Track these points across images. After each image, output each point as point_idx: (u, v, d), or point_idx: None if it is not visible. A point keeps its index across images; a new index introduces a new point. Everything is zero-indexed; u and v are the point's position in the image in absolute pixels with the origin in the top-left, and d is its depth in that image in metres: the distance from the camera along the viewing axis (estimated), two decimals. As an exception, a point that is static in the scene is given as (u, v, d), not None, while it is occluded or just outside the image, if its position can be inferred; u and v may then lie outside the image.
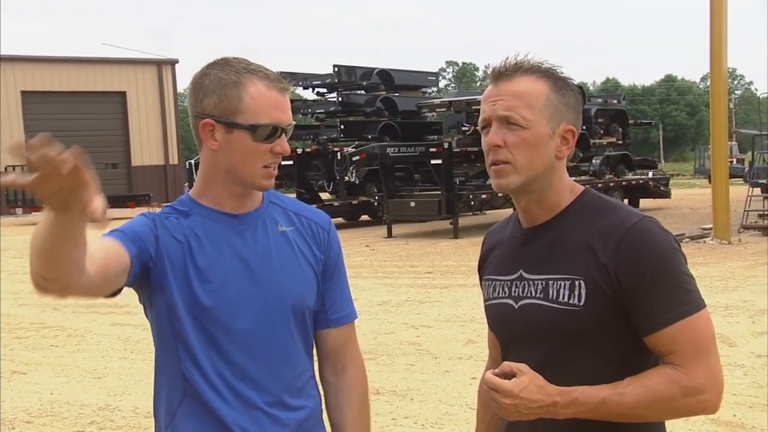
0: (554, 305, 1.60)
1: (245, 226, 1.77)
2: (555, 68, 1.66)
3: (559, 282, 1.60)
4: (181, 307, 1.71)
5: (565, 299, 1.59)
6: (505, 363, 1.58)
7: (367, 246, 16.27)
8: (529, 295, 1.65)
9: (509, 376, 1.54)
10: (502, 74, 1.64)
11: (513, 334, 1.70)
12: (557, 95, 1.63)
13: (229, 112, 1.68)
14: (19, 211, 30.05)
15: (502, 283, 1.72)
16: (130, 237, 1.68)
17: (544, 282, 1.63)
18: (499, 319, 1.74)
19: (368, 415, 1.94)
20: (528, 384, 1.52)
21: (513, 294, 1.69)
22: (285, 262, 1.78)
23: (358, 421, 1.90)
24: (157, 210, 1.79)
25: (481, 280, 1.83)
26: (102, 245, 1.64)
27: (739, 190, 19.48)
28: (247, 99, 1.68)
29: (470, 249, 14.50)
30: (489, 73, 1.69)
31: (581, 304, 1.57)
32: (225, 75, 1.69)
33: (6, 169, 30.56)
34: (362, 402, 1.92)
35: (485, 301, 1.79)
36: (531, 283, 1.65)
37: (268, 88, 1.70)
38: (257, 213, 1.79)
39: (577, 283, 1.58)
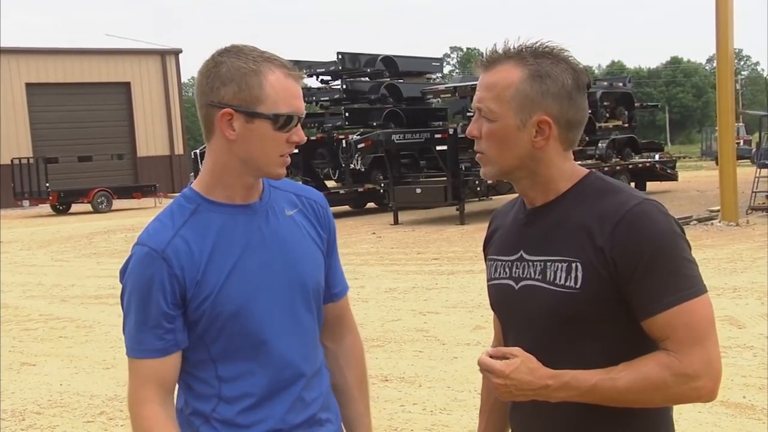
0: (552, 287, 1.59)
1: (258, 216, 1.75)
2: (545, 50, 1.60)
3: (556, 264, 1.59)
4: (214, 314, 1.69)
5: (562, 281, 1.58)
6: (499, 348, 1.59)
7: (374, 233, 16.27)
8: (528, 276, 1.65)
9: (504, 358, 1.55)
10: (482, 64, 1.64)
11: (512, 314, 1.70)
12: (531, 84, 1.58)
13: (250, 101, 1.64)
14: (26, 203, 30.13)
15: (503, 263, 1.72)
16: (163, 331, 1.66)
17: (542, 263, 1.62)
18: (500, 299, 1.74)
19: (367, 377, 2.02)
20: (519, 366, 1.52)
21: (513, 275, 1.68)
22: (299, 247, 1.79)
23: (360, 382, 1.97)
24: (164, 201, 1.76)
25: (485, 259, 1.83)
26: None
27: (746, 172, 19.41)
28: (267, 88, 1.65)
29: (476, 235, 14.49)
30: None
31: (578, 286, 1.56)
32: (243, 63, 1.65)
33: (12, 161, 30.69)
34: (362, 364, 1.99)
35: (488, 281, 1.79)
36: (530, 264, 1.65)
37: (286, 77, 1.68)
38: (264, 201, 1.78)
39: (574, 265, 1.57)
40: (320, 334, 1.91)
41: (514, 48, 1.61)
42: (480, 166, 1.68)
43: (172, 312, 1.65)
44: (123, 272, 1.71)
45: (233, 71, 1.65)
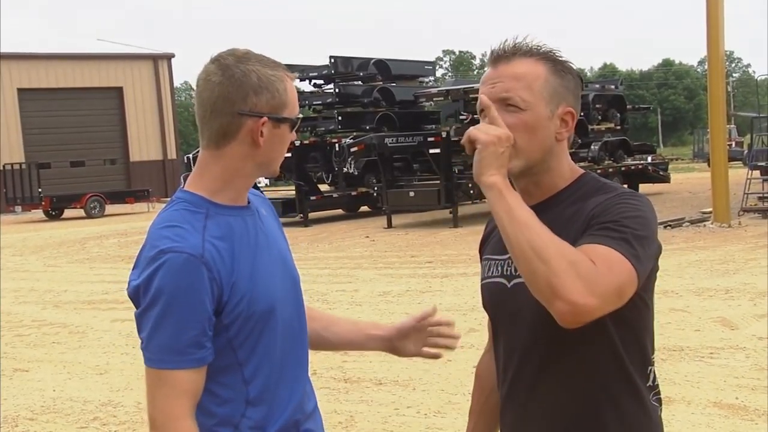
0: None
1: (255, 217, 1.78)
2: (554, 51, 1.67)
3: None
4: (246, 318, 1.69)
5: None
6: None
7: (367, 237, 16.27)
8: (520, 274, 1.65)
9: None
10: (501, 57, 1.65)
11: (504, 312, 1.70)
12: (556, 78, 1.64)
13: (278, 107, 1.69)
14: (18, 208, 30.02)
15: (497, 262, 1.72)
16: (206, 338, 1.64)
17: None
18: (492, 298, 1.74)
19: None
20: (500, 136, 1.54)
21: (506, 273, 1.69)
22: (285, 245, 1.86)
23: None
24: (156, 205, 1.77)
25: (480, 260, 1.84)
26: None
27: (738, 173, 19.48)
28: (289, 93, 1.71)
29: (470, 238, 14.49)
30: (488, 55, 1.69)
31: None
32: (270, 71, 1.68)
33: (4, 167, 30.57)
34: None
35: (481, 280, 1.79)
36: None
37: (292, 80, 1.75)
38: (251, 202, 1.81)
39: None
40: None
41: (526, 46, 1.65)
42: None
43: (213, 318, 1.64)
44: (146, 283, 1.61)
45: (264, 80, 1.67)
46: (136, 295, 1.64)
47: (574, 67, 1.69)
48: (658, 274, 1.65)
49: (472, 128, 1.56)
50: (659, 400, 1.67)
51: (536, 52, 1.65)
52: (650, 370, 1.64)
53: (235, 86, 1.66)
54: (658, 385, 1.67)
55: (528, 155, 1.62)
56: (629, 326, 1.59)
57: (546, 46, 1.67)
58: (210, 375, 1.68)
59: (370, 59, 23.19)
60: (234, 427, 1.71)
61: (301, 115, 1.77)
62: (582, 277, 1.41)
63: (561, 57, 1.67)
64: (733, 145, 36.04)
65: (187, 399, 1.62)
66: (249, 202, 1.79)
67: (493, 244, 1.78)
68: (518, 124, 1.61)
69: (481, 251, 1.84)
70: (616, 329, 1.57)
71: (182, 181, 1.77)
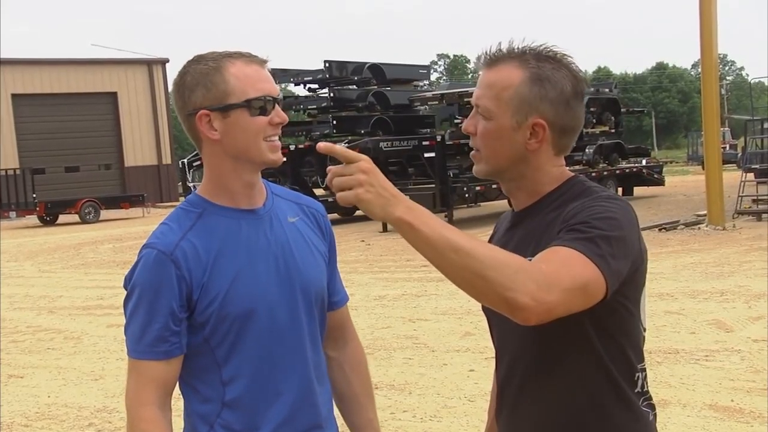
0: None
1: (263, 222, 1.78)
2: (546, 52, 1.62)
3: None
4: (219, 319, 1.70)
5: None
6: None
7: (363, 241, 16.26)
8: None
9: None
10: (486, 62, 1.66)
11: (494, 316, 1.71)
12: (531, 87, 1.59)
13: (220, 97, 1.69)
14: (13, 214, 29.95)
15: None
16: (169, 333, 1.68)
17: None
18: None
19: (371, 384, 2.05)
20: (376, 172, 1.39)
21: None
22: (303, 254, 1.82)
23: (365, 389, 2.00)
24: (152, 210, 1.78)
25: None
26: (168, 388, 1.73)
27: (732, 176, 19.55)
28: (231, 80, 1.69)
29: (465, 241, 14.39)
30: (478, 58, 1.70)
31: None
32: (203, 66, 1.71)
33: (-2, 172, 30.47)
34: (366, 371, 2.03)
35: None
36: None
37: (247, 64, 1.72)
38: (268, 207, 1.81)
39: None
40: (323, 342, 1.92)
41: (518, 49, 1.63)
42: (474, 165, 1.70)
43: (180, 315, 1.68)
44: (130, 276, 1.71)
45: (196, 76, 1.70)
46: (125, 284, 1.74)
47: (572, 68, 1.62)
48: (653, 276, 1.65)
49: (333, 181, 1.38)
50: (650, 406, 1.66)
51: (520, 57, 1.61)
52: (638, 376, 1.63)
53: (176, 92, 1.74)
54: (648, 391, 1.66)
55: (492, 162, 1.65)
56: (610, 333, 1.57)
57: (539, 46, 1.62)
58: (192, 372, 1.74)
59: (364, 63, 23.20)
60: (210, 426, 1.74)
61: (256, 96, 1.67)
62: (532, 279, 1.35)
63: (553, 59, 1.61)
64: (727, 148, 36.18)
65: (153, 387, 1.68)
66: (263, 207, 1.79)
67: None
68: (482, 131, 1.64)
69: None
70: (597, 337, 1.57)
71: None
